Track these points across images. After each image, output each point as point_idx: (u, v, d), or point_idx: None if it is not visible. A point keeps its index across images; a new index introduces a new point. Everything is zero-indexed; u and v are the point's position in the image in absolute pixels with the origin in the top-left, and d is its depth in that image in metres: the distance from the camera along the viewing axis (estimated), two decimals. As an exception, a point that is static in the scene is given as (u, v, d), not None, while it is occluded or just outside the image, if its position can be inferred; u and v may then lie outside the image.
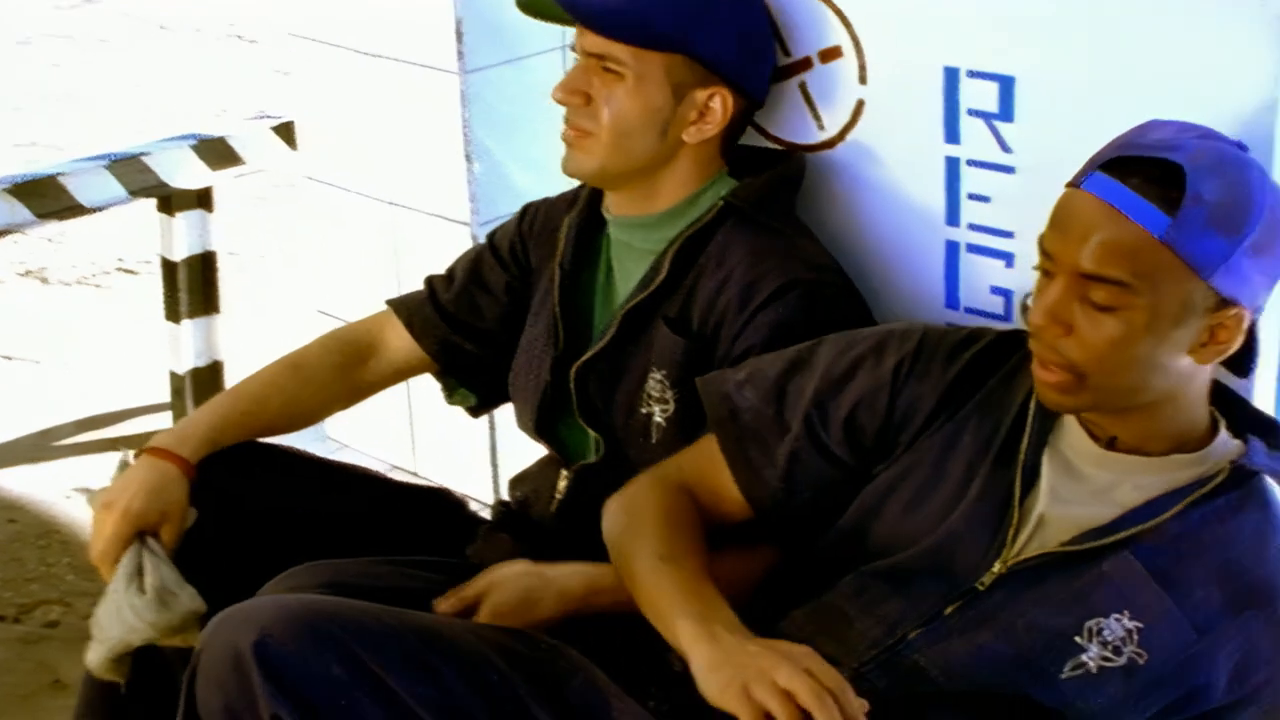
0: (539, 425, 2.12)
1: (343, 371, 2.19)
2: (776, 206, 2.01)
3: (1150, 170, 1.52)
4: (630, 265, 2.06)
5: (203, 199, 3.65)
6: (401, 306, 2.23)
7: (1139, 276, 1.52)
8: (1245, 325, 1.57)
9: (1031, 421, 1.67)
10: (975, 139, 2.00)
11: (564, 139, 2.01)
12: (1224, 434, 1.65)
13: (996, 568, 1.63)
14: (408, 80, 2.85)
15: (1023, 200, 1.95)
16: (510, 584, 1.84)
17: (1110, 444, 1.64)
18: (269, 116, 3.79)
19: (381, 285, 2.93)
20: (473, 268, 2.21)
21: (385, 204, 2.97)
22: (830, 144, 2.15)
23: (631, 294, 2.02)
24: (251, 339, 3.88)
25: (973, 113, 1.99)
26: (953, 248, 2.07)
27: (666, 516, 1.75)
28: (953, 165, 2.03)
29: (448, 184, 2.81)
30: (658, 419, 1.99)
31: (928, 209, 2.07)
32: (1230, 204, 1.51)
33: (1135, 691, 1.58)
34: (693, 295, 1.98)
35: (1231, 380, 1.73)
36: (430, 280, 2.24)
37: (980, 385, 1.72)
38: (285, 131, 3.65)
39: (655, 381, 1.98)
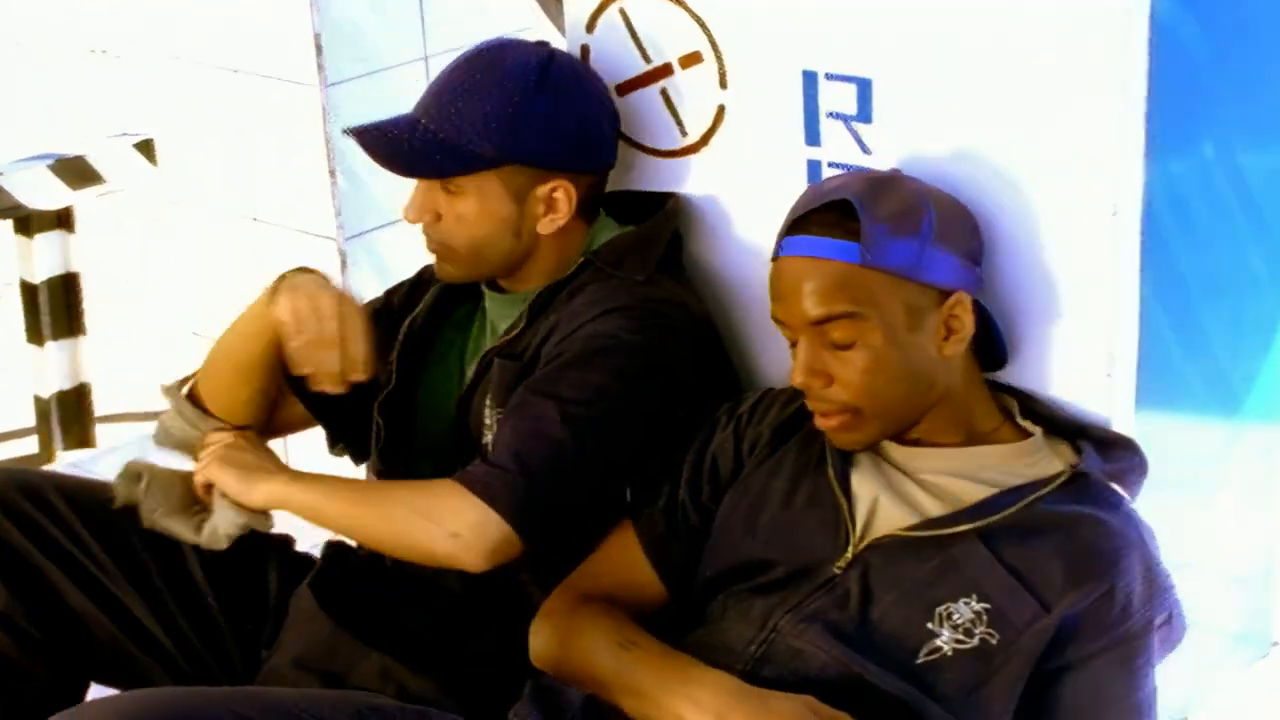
0: (392, 464, 2.13)
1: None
2: (635, 261, 2.03)
3: (825, 215, 1.70)
4: (502, 324, 2.10)
5: (63, 219, 3.62)
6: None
7: (859, 302, 1.68)
8: (970, 306, 1.72)
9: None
10: (835, 141, 2.01)
11: (429, 250, 2.06)
12: (1039, 435, 1.76)
13: (849, 553, 1.72)
14: (269, 95, 2.82)
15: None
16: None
17: (913, 442, 1.77)
18: (129, 134, 3.72)
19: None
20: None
21: (250, 220, 2.94)
22: (693, 149, 2.16)
23: (495, 343, 2.06)
24: (121, 361, 3.79)
25: (832, 115, 2.00)
26: (818, 249, 2.06)
27: (604, 613, 1.81)
28: (814, 167, 2.03)
29: (312, 199, 2.79)
30: (486, 440, 2.02)
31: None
32: (901, 211, 1.69)
33: (994, 671, 1.64)
34: (536, 333, 2.02)
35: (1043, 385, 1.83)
36: None
37: (807, 423, 1.83)
38: (146, 149, 3.61)
39: (488, 409, 2.02)
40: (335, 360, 1.98)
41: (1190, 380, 2.00)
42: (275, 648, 1.99)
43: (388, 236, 2.73)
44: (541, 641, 1.84)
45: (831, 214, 1.70)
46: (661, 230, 2.08)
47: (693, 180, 2.17)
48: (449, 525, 1.88)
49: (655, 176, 2.19)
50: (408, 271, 2.23)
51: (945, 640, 1.66)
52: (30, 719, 1.93)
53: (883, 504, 1.75)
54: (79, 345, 3.68)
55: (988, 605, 1.65)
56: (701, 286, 2.14)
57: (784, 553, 1.77)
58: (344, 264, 2.79)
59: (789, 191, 1.97)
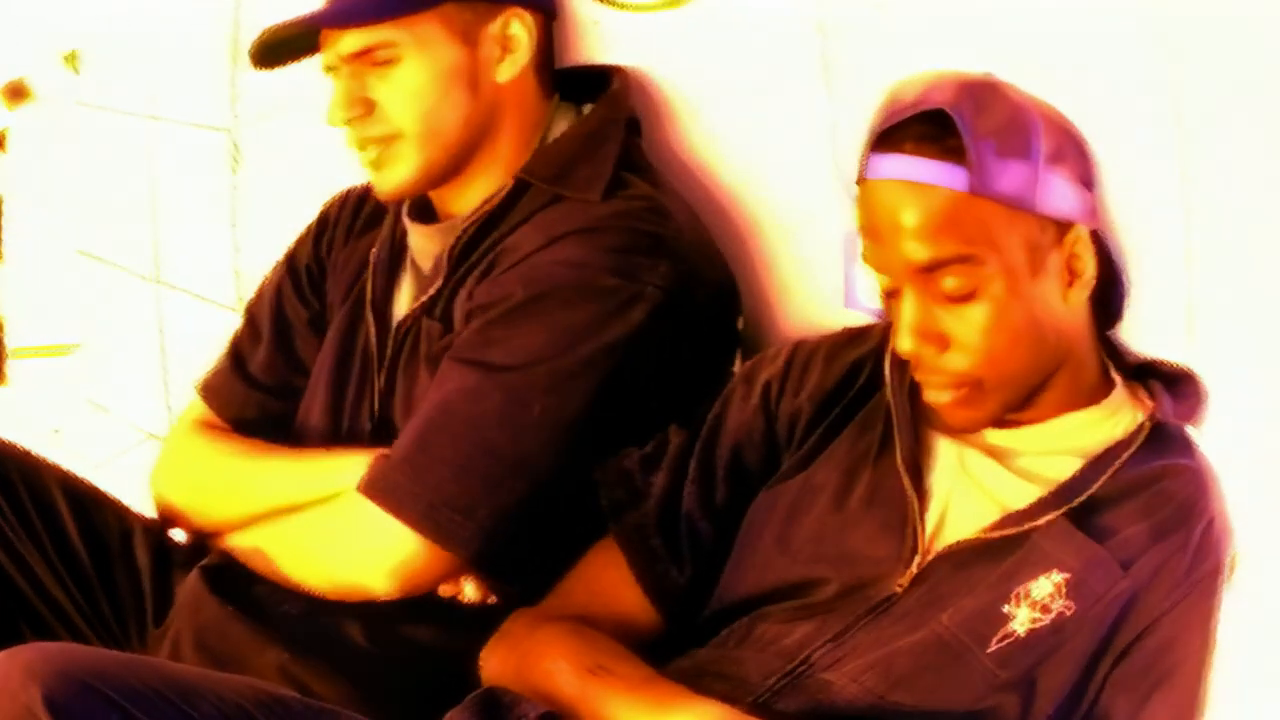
0: None
1: None
2: (585, 168, 1.80)
3: (918, 129, 1.52)
4: (427, 265, 1.89)
5: (-5, 141, 3.58)
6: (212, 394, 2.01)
7: (972, 241, 1.50)
8: (1091, 243, 1.57)
9: (897, 400, 1.63)
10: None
11: (366, 165, 1.83)
12: (1120, 384, 1.65)
13: (914, 566, 1.57)
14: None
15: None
16: None
17: (1012, 421, 1.61)
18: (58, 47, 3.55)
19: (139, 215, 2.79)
20: (277, 313, 1.98)
21: (149, 119, 2.80)
22: (673, 2, 1.94)
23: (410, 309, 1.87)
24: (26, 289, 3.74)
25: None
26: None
27: (571, 633, 1.64)
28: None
29: (210, 88, 2.61)
30: None
31: (805, 78, 1.86)
32: (1007, 124, 1.52)
33: (1063, 644, 1.56)
34: (463, 279, 1.80)
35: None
36: (236, 349, 2.00)
37: (863, 394, 1.68)
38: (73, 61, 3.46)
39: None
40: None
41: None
42: (166, 629, 1.85)
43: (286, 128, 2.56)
44: (494, 667, 1.66)
45: (925, 127, 1.51)
46: (612, 121, 1.84)
47: (670, 47, 1.94)
48: (351, 547, 1.71)
49: (618, 41, 1.96)
50: (306, 166, 2.05)
51: (1020, 621, 1.53)
52: None
53: (958, 500, 1.58)
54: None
55: (1068, 575, 1.53)
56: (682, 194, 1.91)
57: (833, 567, 1.60)
58: (236, 156, 2.65)
59: (798, 63, 1.83)
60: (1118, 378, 1.64)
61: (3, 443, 1.97)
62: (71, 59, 3.45)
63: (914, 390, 1.60)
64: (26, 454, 1.98)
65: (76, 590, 1.91)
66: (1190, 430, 1.64)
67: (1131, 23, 1.64)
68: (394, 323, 1.86)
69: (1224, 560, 1.59)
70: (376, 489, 1.68)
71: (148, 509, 2.02)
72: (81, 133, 3.02)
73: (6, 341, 3.60)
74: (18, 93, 3.60)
